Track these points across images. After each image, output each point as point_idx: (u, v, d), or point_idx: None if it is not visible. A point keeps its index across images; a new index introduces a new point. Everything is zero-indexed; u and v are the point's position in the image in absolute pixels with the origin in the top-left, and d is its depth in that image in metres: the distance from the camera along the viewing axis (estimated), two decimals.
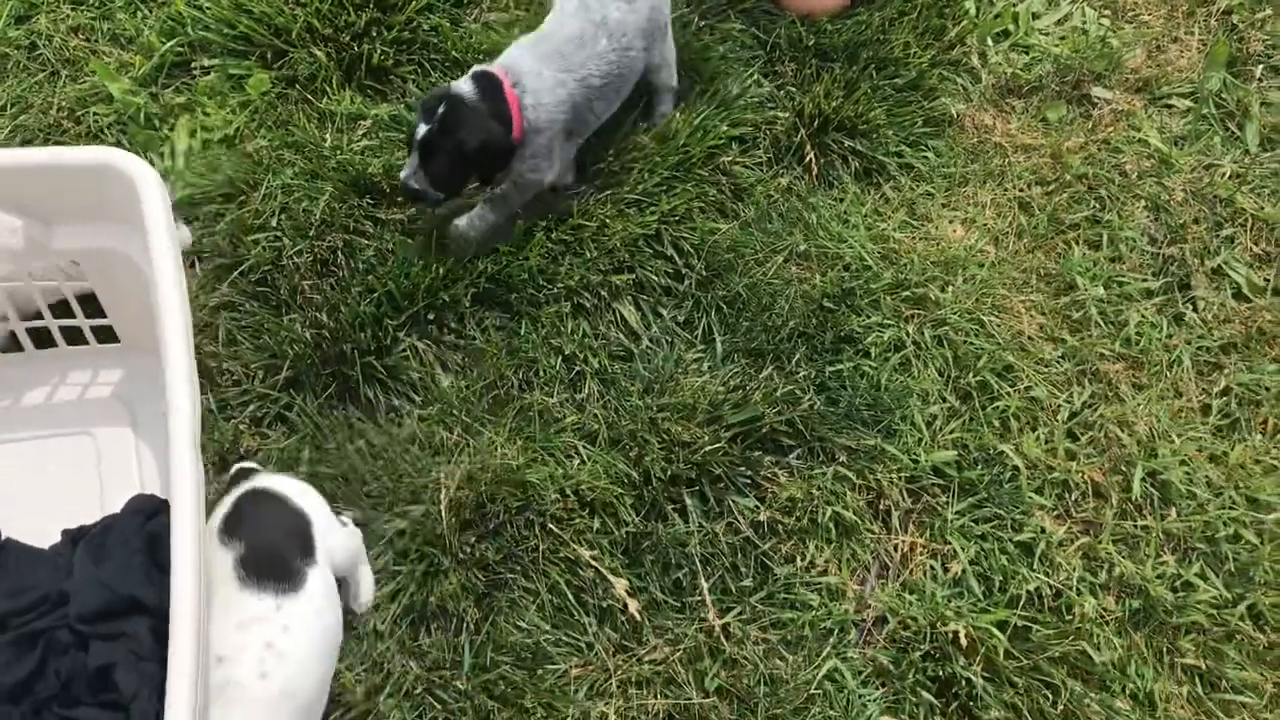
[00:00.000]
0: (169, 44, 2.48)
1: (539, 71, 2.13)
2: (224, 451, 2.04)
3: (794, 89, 2.52)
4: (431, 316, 2.19)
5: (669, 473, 2.04)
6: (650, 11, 2.23)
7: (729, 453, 2.06)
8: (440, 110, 2.06)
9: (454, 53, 2.52)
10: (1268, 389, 2.21)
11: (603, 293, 2.26)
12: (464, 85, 2.10)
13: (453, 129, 2.05)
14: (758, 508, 2.03)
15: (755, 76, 2.52)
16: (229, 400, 2.10)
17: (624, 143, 2.38)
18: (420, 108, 2.10)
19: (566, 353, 2.19)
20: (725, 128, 2.43)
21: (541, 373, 2.17)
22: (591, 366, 2.18)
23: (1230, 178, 2.46)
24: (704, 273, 2.29)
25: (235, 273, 2.20)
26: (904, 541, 2.04)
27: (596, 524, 2.00)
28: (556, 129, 2.17)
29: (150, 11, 2.57)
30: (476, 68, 2.14)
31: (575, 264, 2.26)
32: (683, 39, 2.49)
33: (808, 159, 2.45)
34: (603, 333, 2.24)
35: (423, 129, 2.06)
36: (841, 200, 2.43)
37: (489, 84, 2.10)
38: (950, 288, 2.30)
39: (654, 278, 2.28)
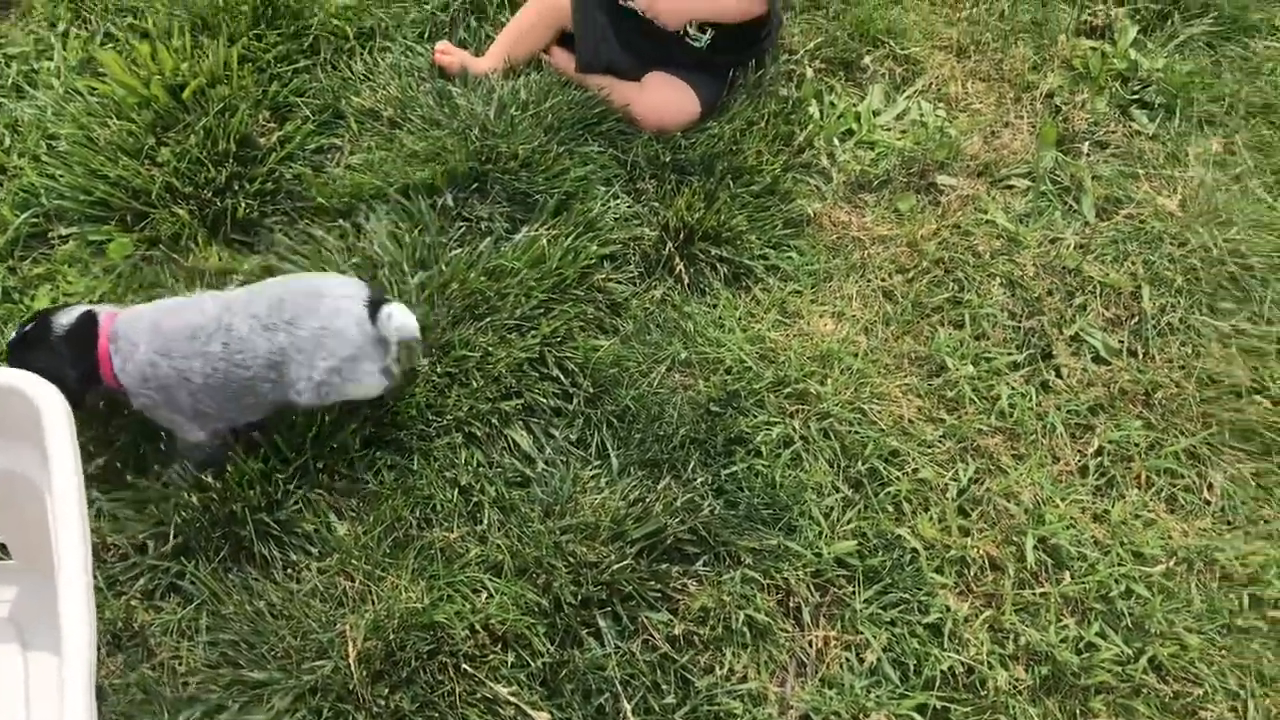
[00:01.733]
0: (23, 216, 2.43)
1: (135, 342, 2.00)
2: (117, 630, 1.96)
3: (657, 204, 2.60)
4: (321, 465, 2.16)
5: (579, 596, 2.03)
6: (289, 349, 2.01)
7: (637, 568, 2.07)
8: (27, 329, 2.01)
9: (319, 199, 2.53)
10: (1136, 444, 2.31)
11: (493, 420, 2.26)
12: (62, 318, 2.01)
13: (23, 350, 2.00)
14: (672, 621, 2.03)
15: (618, 196, 2.59)
16: (117, 576, 2.03)
17: (497, 270, 2.41)
18: (20, 323, 2.06)
19: (463, 484, 2.18)
20: (595, 248, 2.48)
21: (439, 508, 2.15)
22: (489, 496, 2.17)
23: (1075, 248, 2.61)
24: (591, 390, 2.32)
25: (113, 447, 2.14)
26: (817, 636, 2.06)
27: (511, 658, 1.97)
28: (162, 399, 2.02)
29: (0, 185, 2.52)
30: (87, 308, 2.04)
31: (463, 394, 2.26)
32: (543, 164, 2.55)
33: (678, 270, 2.52)
34: (497, 460, 2.23)
35: (13, 335, 2.02)
36: (715, 306, 2.49)
37: (84, 330, 2.00)
38: (829, 380, 2.37)
39: (542, 400, 2.29)
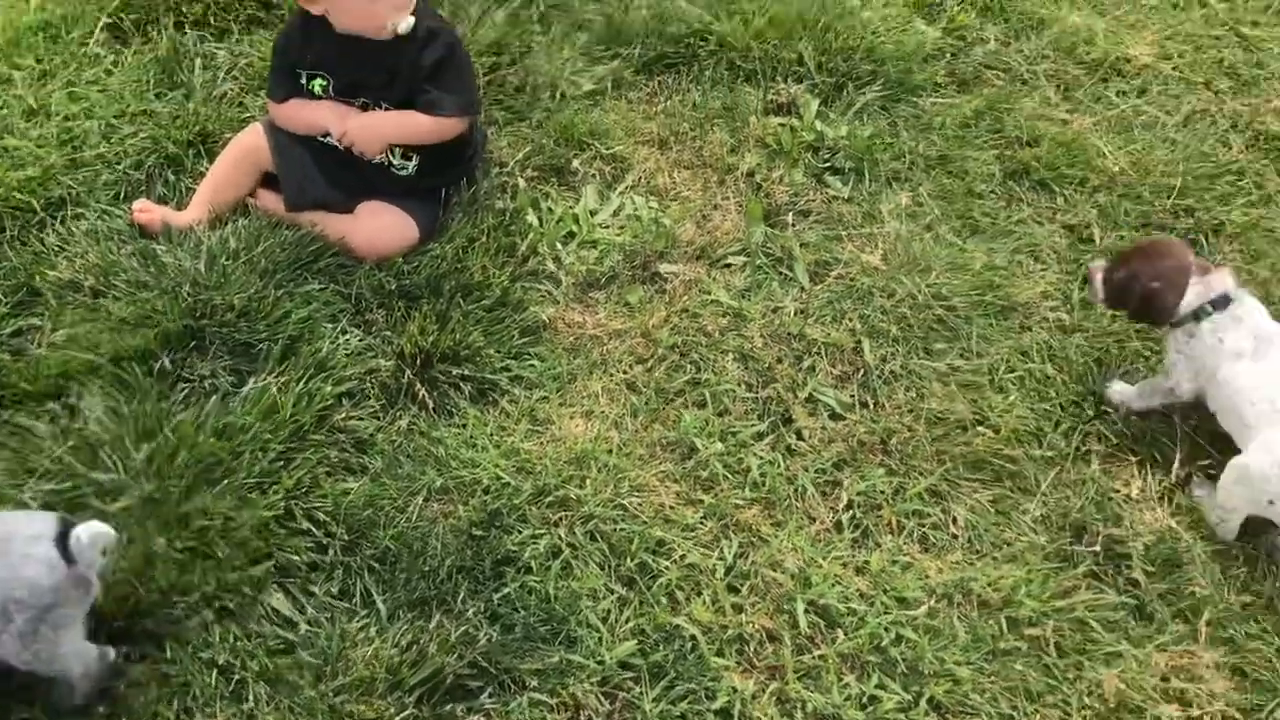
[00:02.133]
0: None
1: None
2: None
3: (389, 333, 2.56)
4: None
5: None
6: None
7: (420, 717, 1.99)
8: None
9: (23, 385, 2.36)
10: (882, 492, 2.42)
11: (245, 589, 2.15)
12: None
13: None
14: None
15: (346, 331, 2.54)
16: None
17: (227, 428, 2.30)
18: None
19: (221, 663, 2.05)
20: (329, 388, 2.42)
21: (199, 695, 2.02)
22: (252, 670, 2.05)
23: (795, 314, 2.74)
24: (347, 537, 2.24)
25: None
26: None
27: None
28: None
29: None
30: None
31: (208, 568, 2.14)
32: (262, 311, 2.48)
33: (420, 396, 2.48)
34: (255, 630, 2.11)
35: None
36: (465, 426, 2.47)
37: None
38: (588, 481, 2.38)
39: (296, 557, 2.20)
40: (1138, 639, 2.19)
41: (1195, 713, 2.09)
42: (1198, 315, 2.34)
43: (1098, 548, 2.32)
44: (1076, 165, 3.06)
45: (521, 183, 2.91)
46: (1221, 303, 2.34)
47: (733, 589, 2.25)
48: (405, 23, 2.54)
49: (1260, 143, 3.18)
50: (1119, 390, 2.53)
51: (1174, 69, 3.40)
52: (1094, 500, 2.39)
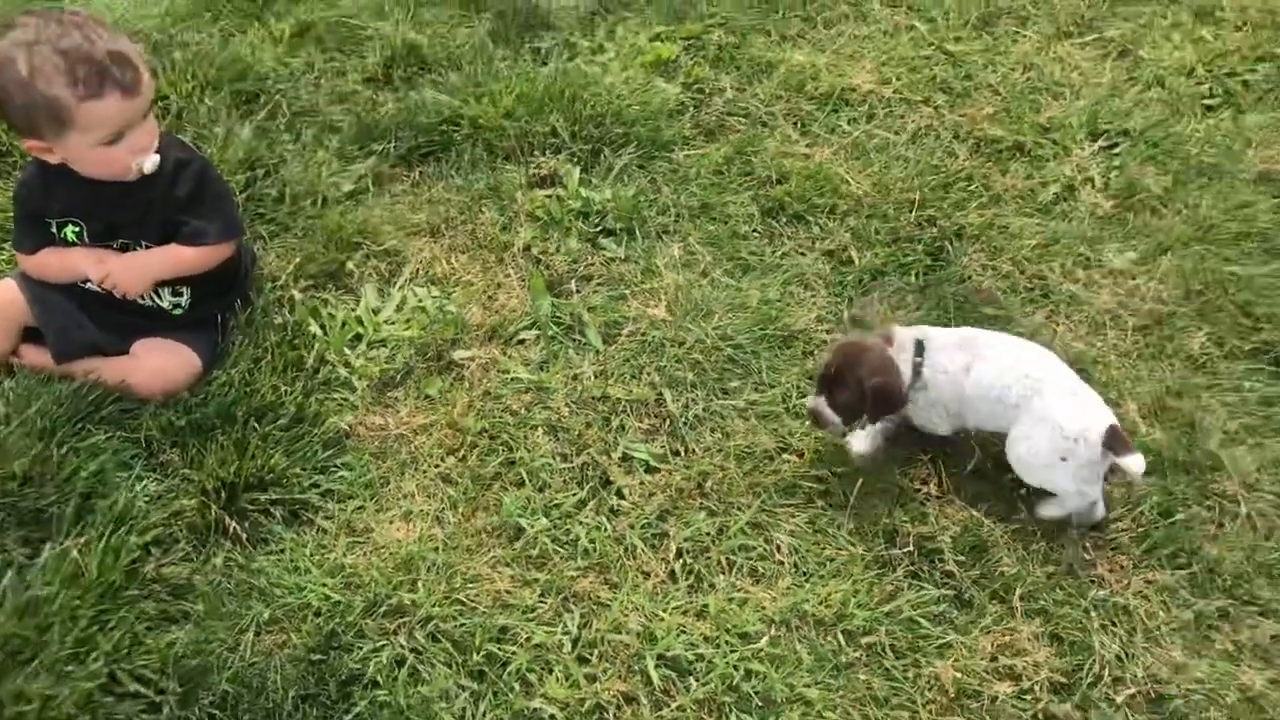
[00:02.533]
0: None
1: None
2: None
3: (188, 471, 2.48)
4: None
5: None
6: None
7: None
8: None
9: None
10: (707, 534, 2.51)
11: None
12: None
13: None
14: None
15: (142, 477, 2.44)
16: None
17: (30, 604, 2.18)
18: None
19: None
20: (134, 538, 2.32)
21: None
22: None
23: (596, 378, 2.80)
24: (180, 689, 2.15)
25: None
26: None
27: None
28: None
29: None
30: None
31: None
32: (49, 471, 2.36)
33: (231, 530, 2.41)
34: None
35: None
36: (283, 552, 2.41)
37: None
38: (419, 584, 2.36)
39: None
40: (962, 626, 2.33)
41: (1025, 684, 2.24)
42: (918, 372, 2.53)
43: (910, 547, 2.46)
44: (825, 194, 3.26)
45: (297, 294, 2.88)
46: (919, 349, 2.55)
47: (583, 660, 2.28)
48: (150, 161, 2.48)
49: (982, 148, 3.47)
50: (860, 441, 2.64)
51: (894, 92, 3.67)
52: (899, 504, 2.54)
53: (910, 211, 3.23)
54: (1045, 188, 3.32)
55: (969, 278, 3.06)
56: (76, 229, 2.60)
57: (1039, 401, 2.43)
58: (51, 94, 2.31)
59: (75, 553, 2.28)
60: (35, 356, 2.65)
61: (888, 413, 2.54)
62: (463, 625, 2.31)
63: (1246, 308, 2.96)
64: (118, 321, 2.65)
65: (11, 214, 2.70)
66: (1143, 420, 2.72)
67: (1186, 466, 2.63)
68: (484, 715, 2.18)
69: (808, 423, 2.61)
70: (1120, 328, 2.95)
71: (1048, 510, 2.50)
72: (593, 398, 2.77)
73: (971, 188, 3.32)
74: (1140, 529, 2.51)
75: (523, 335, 2.92)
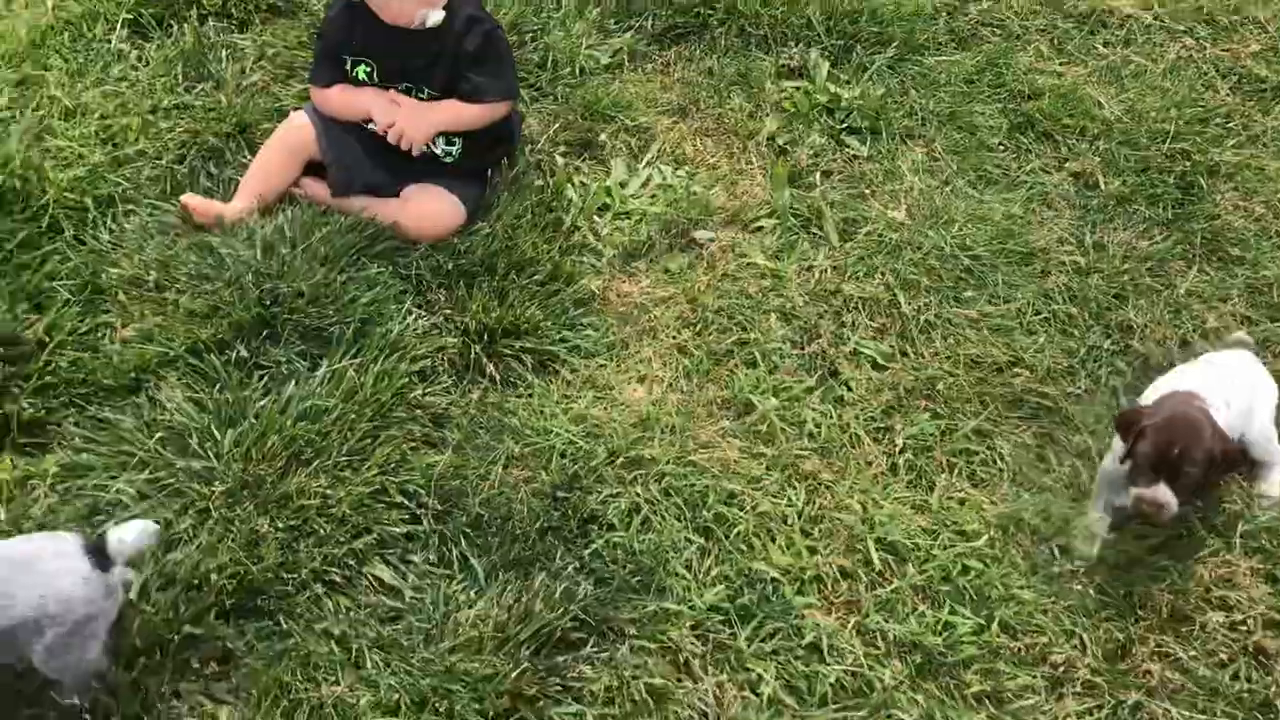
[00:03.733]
0: None
1: None
2: None
3: (451, 312, 2.66)
4: (185, 657, 2.09)
5: (486, 713, 2.06)
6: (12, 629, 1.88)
7: (533, 669, 2.12)
8: None
9: (104, 380, 2.43)
10: (932, 434, 2.58)
11: (349, 562, 2.26)
12: None
13: None
14: (581, 711, 2.10)
15: (412, 311, 2.63)
16: None
17: (312, 410, 2.40)
18: None
19: (336, 634, 2.16)
20: (404, 366, 2.52)
21: (320, 664, 2.13)
22: (367, 638, 2.16)
23: (830, 272, 2.87)
24: (439, 507, 2.35)
25: None
26: (712, 684, 2.18)
27: None
28: None
29: None
30: None
31: (311, 544, 2.24)
32: (331, 295, 2.57)
33: (488, 370, 2.59)
34: (364, 601, 2.23)
35: None
36: (532, 397, 2.58)
37: None
38: (655, 442, 2.51)
39: (393, 529, 2.31)
40: (1181, 554, 2.37)
41: (1239, 616, 2.27)
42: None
43: None
44: (1076, 115, 3.22)
45: (560, 159, 3.01)
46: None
47: (805, 533, 2.40)
48: (435, 16, 2.62)
49: (1244, 86, 3.36)
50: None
51: (1155, 18, 3.57)
52: None
53: (1163, 142, 3.17)
54: None
55: (1220, 215, 3.01)
56: (368, 69, 2.76)
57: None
58: None
59: (352, 371, 2.48)
60: (315, 188, 2.84)
61: (1232, 471, 2.41)
62: (694, 485, 2.45)
63: None
64: (393, 164, 2.82)
65: (314, 49, 2.88)
66: None
67: None
68: (709, 569, 2.32)
69: (1140, 517, 2.32)
70: None
71: (1273, 484, 2.50)
72: (826, 290, 2.84)
73: (1230, 125, 3.23)
74: None
75: (762, 223, 3.00)
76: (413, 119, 2.73)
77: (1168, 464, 2.24)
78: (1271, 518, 2.41)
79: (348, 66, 2.76)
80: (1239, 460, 2.32)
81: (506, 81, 2.76)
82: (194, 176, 2.89)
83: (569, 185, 2.96)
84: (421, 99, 2.78)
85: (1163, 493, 2.25)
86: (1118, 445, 2.38)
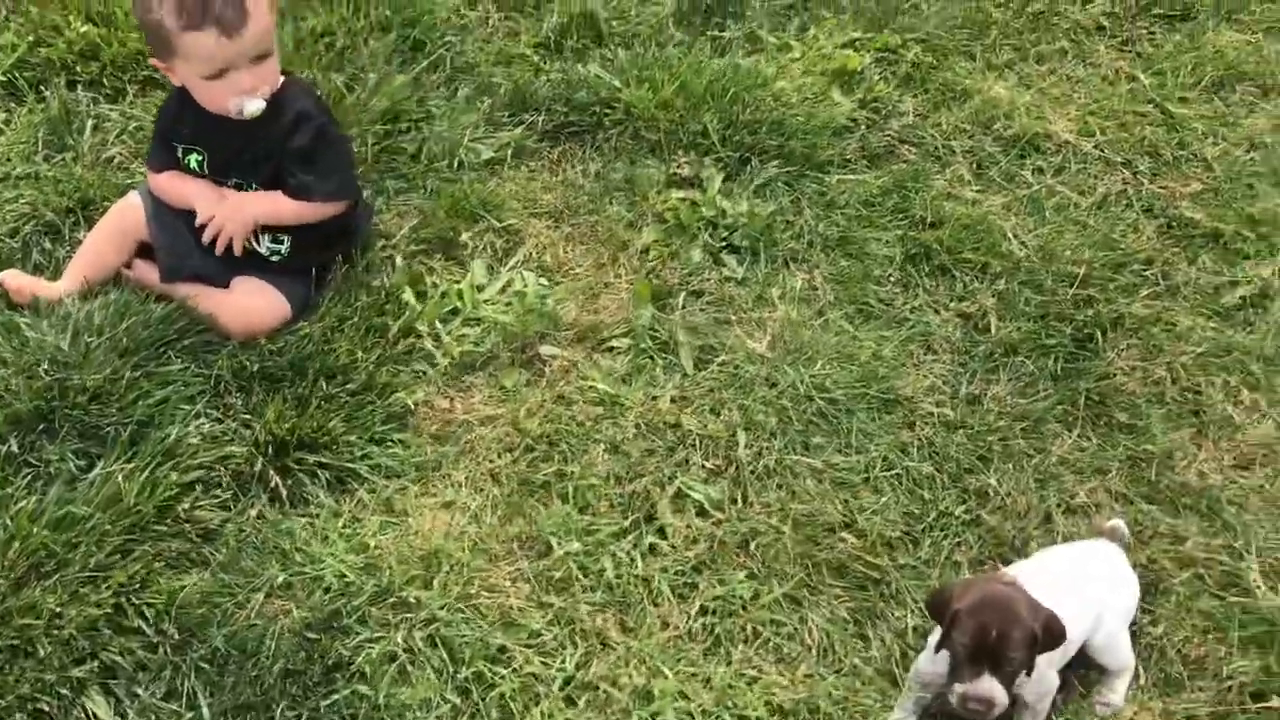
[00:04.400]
0: None
1: None
2: None
3: (247, 417, 2.51)
4: None
5: None
6: None
7: None
8: None
9: None
10: (740, 596, 2.36)
11: (64, 691, 2.09)
12: None
13: None
14: None
15: (201, 415, 2.49)
16: None
17: (67, 519, 2.25)
18: None
19: None
20: (176, 475, 2.37)
21: None
22: None
23: (673, 403, 2.67)
24: (178, 636, 2.19)
25: None
26: None
27: None
28: None
29: None
30: None
31: (28, 667, 2.09)
32: (117, 391, 2.43)
33: (274, 485, 2.43)
34: None
35: None
36: (317, 517, 2.42)
37: None
38: (435, 581, 2.32)
39: (123, 658, 2.15)
40: None
41: None
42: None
43: None
44: (980, 249, 2.99)
45: (399, 260, 2.85)
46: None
47: (570, 701, 2.19)
48: (252, 106, 2.49)
49: (1173, 229, 3.10)
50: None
51: (1095, 147, 3.33)
52: None
53: (1070, 286, 2.92)
54: (1233, 289, 2.94)
55: (1113, 374, 2.75)
56: (200, 158, 2.65)
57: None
58: (157, 17, 2.38)
59: (120, 478, 2.34)
60: (145, 272, 2.73)
61: (1054, 647, 2.08)
62: (464, 636, 2.25)
63: None
64: (227, 254, 2.69)
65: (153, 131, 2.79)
66: (1264, 579, 2.38)
67: None
68: None
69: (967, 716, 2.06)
70: (1273, 468, 2.58)
71: (1117, 692, 2.24)
72: (665, 423, 2.64)
73: (1148, 273, 2.97)
74: (1222, 707, 2.20)
75: (615, 342, 2.81)
76: (232, 215, 2.61)
77: (988, 652, 2.00)
78: None
79: (179, 153, 2.65)
80: (1062, 632, 2.06)
81: (336, 181, 2.63)
82: (26, 252, 2.79)
83: (409, 288, 2.80)
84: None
85: (989, 687, 2.01)
86: (933, 640, 2.13)
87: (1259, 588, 2.37)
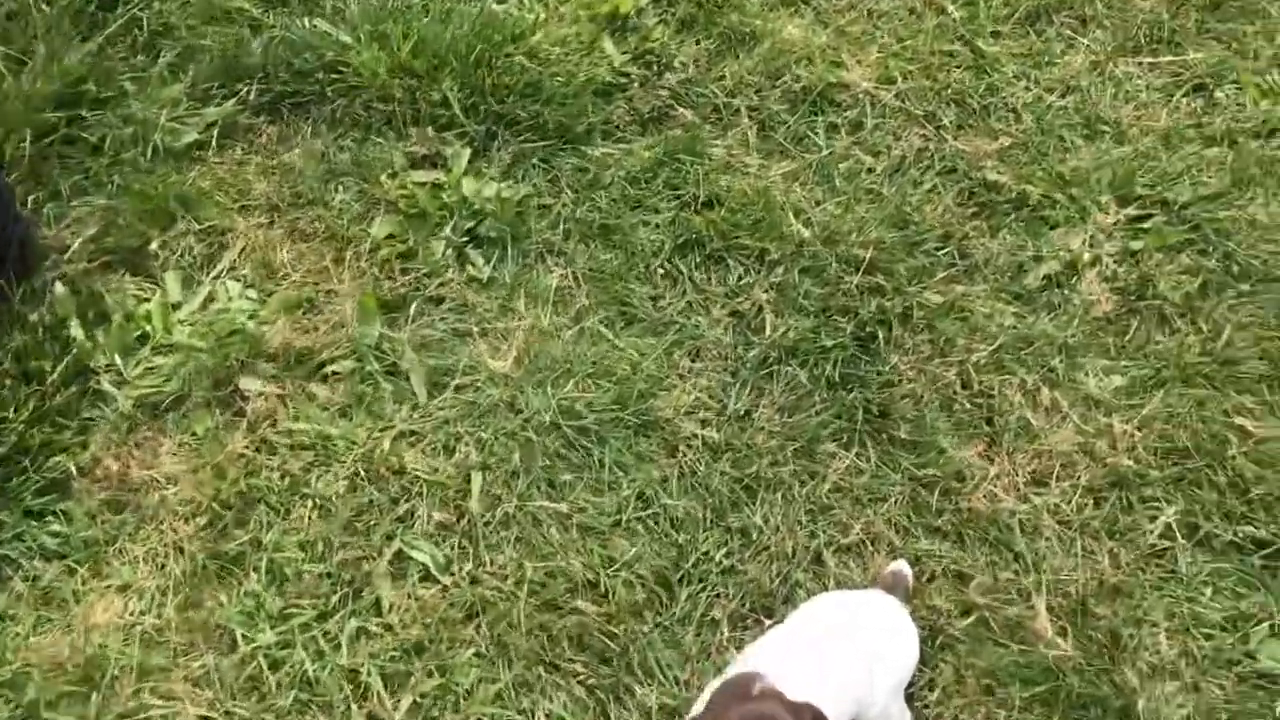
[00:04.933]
0: None
1: None
2: None
3: None
4: None
5: None
6: None
7: None
8: None
9: None
10: (461, 685, 2.05)
11: None
12: None
13: None
14: None
15: None
16: None
17: None
18: None
19: None
20: None
21: None
22: None
23: (401, 439, 2.30)
24: None
25: None
26: None
27: None
28: None
29: None
30: None
31: None
32: None
33: None
34: None
35: None
36: None
37: None
38: (94, 698, 1.96)
39: None
40: None
41: None
42: None
43: None
44: (758, 233, 2.63)
45: (60, 289, 2.40)
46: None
47: None
48: None
49: (975, 196, 2.77)
50: None
51: (896, 96, 2.95)
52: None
53: (856, 274, 2.59)
54: (1039, 264, 2.63)
55: (897, 381, 2.44)
56: None
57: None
58: None
59: None
60: None
61: None
62: None
63: (1241, 485, 2.30)
64: None
65: None
66: (1052, 623, 2.14)
67: (1088, 701, 2.05)
68: None
69: None
70: (1071, 482, 2.32)
71: None
72: (389, 469, 2.28)
73: (943, 252, 2.65)
74: None
75: (337, 366, 2.42)
76: None
77: None
78: None
79: None
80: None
81: None
82: None
83: (75, 319, 2.35)
84: None
85: None
86: None
87: (1044, 633, 2.12)
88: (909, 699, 2.05)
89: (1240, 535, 2.25)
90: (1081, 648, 2.11)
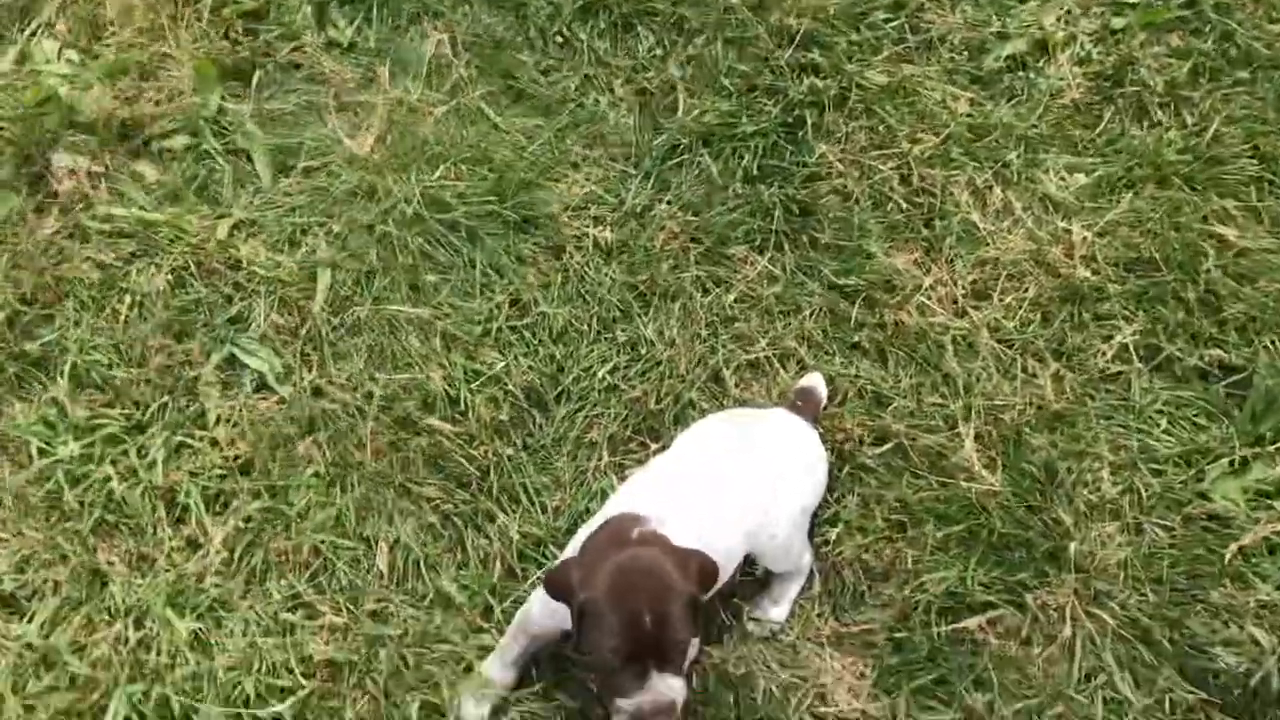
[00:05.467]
0: None
1: None
2: None
3: None
4: None
5: None
6: None
7: None
8: None
9: None
10: (291, 506, 1.77)
11: None
12: None
13: None
14: None
15: None
16: None
17: None
18: None
19: None
20: None
21: None
22: None
23: (239, 228, 1.99)
24: None
25: None
26: None
27: None
28: None
29: None
30: None
31: None
32: None
33: None
34: None
35: None
36: None
37: None
38: None
39: None
40: None
41: None
42: None
43: None
44: None
45: None
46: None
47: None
48: None
49: None
50: None
51: None
52: None
53: (788, 47, 2.20)
54: (1003, 43, 2.25)
55: (827, 174, 2.09)
56: None
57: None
58: None
59: None
60: None
61: (713, 587, 1.57)
62: None
63: (1214, 303, 1.99)
64: None
65: None
66: (979, 454, 1.86)
67: (1012, 542, 1.79)
68: None
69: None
70: (1017, 295, 2.01)
71: (780, 604, 1.74)
72: (220, 263, 1.96)
73: (892, 25, 2.25)
74: (903, 630, 1.73)
75: (169, 143, 2.07)
76: None
77: (649, 647, 1.45)
78: None
79: None
80: (716, 570, 1.54)
81: None
82: None
83: None
84: None
85: (664, 690, 1.46)
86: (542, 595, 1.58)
87: (969, 465, 1.84)
88: (813, 527, 1.79)
89: (1206, 360, 1.95)
90: (1011, 482, 1.83)
